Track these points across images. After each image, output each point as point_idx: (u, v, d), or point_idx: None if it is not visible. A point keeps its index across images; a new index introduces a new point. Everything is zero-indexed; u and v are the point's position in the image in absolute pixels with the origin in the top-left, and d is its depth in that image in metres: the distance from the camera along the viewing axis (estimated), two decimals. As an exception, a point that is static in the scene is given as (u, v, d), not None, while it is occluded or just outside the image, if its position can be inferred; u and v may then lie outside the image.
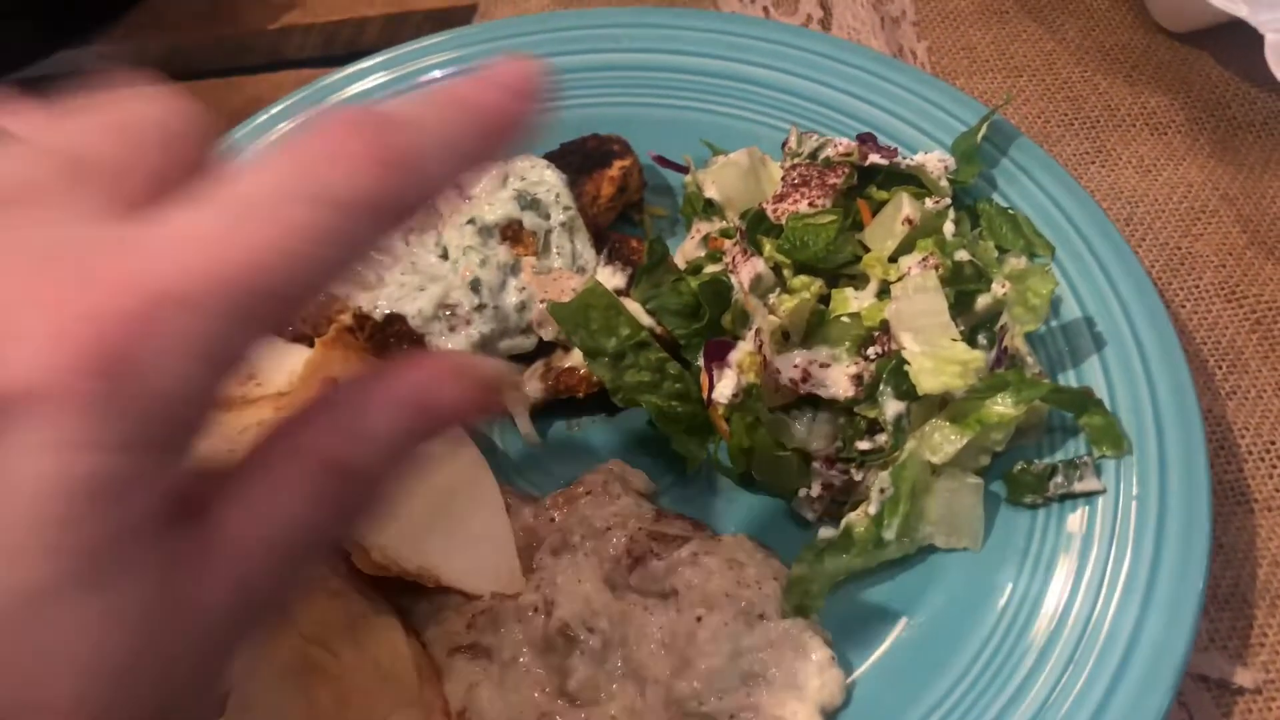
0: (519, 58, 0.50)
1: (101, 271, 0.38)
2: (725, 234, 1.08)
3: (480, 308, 1.00)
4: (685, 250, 1.12)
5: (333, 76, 1.27)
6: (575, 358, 1.02)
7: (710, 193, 1.10)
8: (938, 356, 0.90)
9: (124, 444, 0.38)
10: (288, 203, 0.41)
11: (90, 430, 0.37)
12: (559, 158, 1.13)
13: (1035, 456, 0.96)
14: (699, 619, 0.86)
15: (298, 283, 0.41)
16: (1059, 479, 0.93)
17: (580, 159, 1.12)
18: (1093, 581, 0.89)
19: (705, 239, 1.11)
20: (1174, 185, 1.24)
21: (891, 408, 0.92)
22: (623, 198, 1.13)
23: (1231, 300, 1.15)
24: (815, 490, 0.95)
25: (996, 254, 1.04)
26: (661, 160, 1.18)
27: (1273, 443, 1.05)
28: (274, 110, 1.25)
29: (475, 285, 1.00)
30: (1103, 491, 0.93)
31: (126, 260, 0.39)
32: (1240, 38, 1.19)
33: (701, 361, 0.99)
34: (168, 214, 0.41)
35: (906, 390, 0.91)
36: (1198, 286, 1.16)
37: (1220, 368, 1.10)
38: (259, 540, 0.43)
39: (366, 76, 1.27)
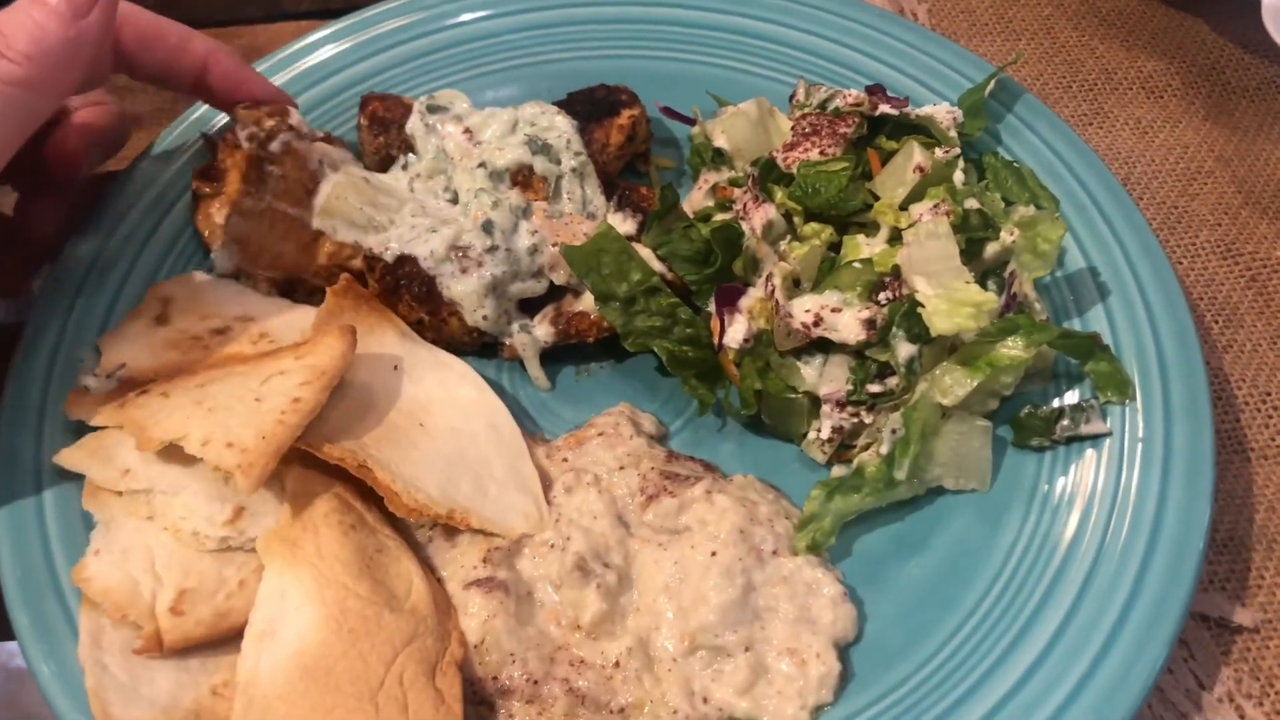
0: None
1: None
2: (735, 183, 1.09)
3: (492, 249, 1.00)
4: (693, 200, 1.12)
5: (329, 28, 1.26)
6: (586, 302, 1.02)
7: (720, 142, 1.10)
8: (951, 299, 0.91)
9: None
10: None
11: None
12: (567, 106, 1.12)
13: (1042, 401, 0.98)
14: (713, 554, 0.87)
15: None
16: (1065, 422, 0.95)
17: (589, 108, 1.12)
18: (1099, 522, 0.90)
19: (713, 189, 1.11)
20: (1170, 147, 1.26)
21: (904, 350, 0.93)
22: (631, 147, 1.13)
23: (1228, 258, 1.17)
24: (825, 433, 0.96)
25: (1003, 205, 1.05)
26: (668, 111, 1.18)
27: (1268, 394, 1.07)
28: (272, 60, 1.23)
29: (488, 227, 1.00)
30: (1108, 435, 0.94)
31: None
32: (1236, 3, 1.21)
33: (712, 307, 1.00)
34: None
35: (919, 333, 0.92)
36: (1194, 244, 1.18)
37: (1217, 322, 1.12)
38: None
39: (365, 29, 1.26)
